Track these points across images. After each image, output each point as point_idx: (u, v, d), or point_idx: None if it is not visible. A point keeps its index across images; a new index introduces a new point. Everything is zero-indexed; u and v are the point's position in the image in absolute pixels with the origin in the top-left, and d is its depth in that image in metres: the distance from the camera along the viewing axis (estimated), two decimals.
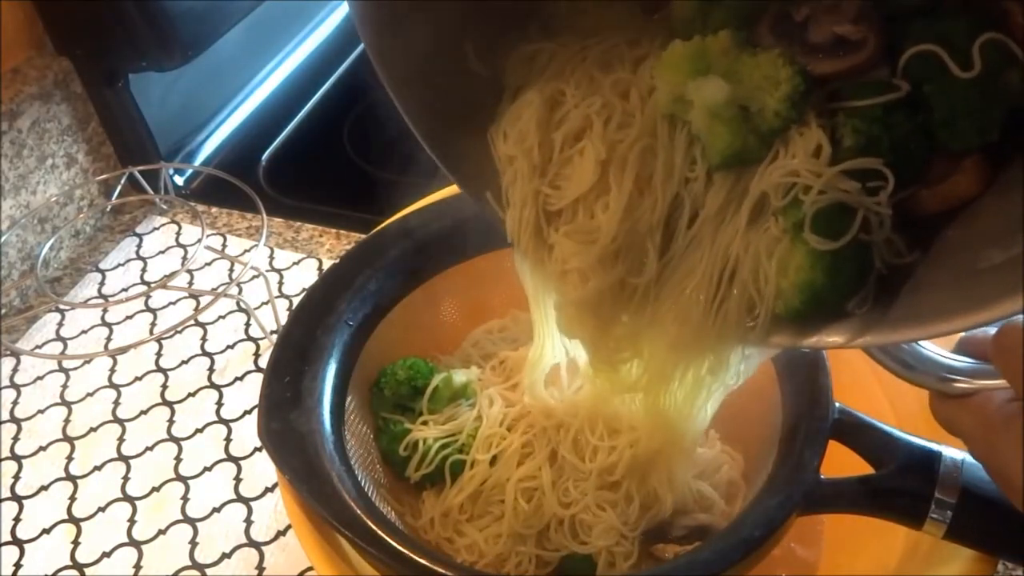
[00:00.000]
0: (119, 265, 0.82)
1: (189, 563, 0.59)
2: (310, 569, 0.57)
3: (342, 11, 1.15)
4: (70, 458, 0.66)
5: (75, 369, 0.72)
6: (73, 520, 0.62)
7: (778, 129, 0.33)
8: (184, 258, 0.82)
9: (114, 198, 0.86)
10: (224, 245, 0.83)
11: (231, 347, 0.73)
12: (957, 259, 0.31)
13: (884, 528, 0.41)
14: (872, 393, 0.52)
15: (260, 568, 0.58)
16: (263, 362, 0.71)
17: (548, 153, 0.39)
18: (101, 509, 0.62)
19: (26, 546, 0.61)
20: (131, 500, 0.63)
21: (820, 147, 0.32)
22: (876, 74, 0.32)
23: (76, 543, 0.60)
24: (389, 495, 0.51)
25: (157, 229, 0.86)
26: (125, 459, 0.65)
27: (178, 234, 0.85)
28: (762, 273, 0.33)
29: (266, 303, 0.75)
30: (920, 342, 0.36)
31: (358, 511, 0.41)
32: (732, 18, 0.34)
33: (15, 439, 0.67)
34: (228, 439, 0.66)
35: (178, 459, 0.65)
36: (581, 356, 0.47)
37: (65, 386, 0.71)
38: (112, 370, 0.72)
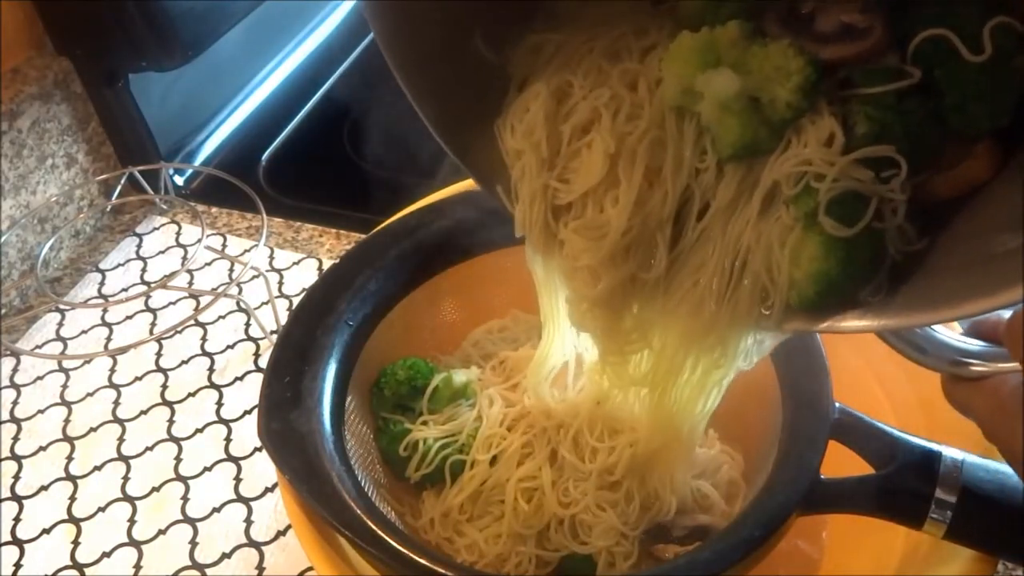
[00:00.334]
0: (119, 265, 0.82)
1: (189, 563, 0.59)
2: (310, 569, 0.57)
3: (342, 11, 1.15)
4: (70, 458, 0.66)
5: (75, 369, 0.72)
6: (73, 520, 0.62)
7: (790, 119, 0.32)
8: (184, 258, 0.82)
9: (114, 198, 0.86)
10: (224, 245, 0.83)
11: (231, 347, 0.73)
12: (969, 245, 0.31)
13: (884, 528, 0.41)
14: (872, 393, 0.52)
15: (260, 568, 0.58)
16: (263, 362, 0.71)
17: (556, 146, 0.38)
18: (101, 509, 0.62)
19: (26, 546, 0.61)
20: (131, 500, 0.63)
21: (833, 135, 0.31)
22: (886, 61, 0.32)
23: (76, 543, 0.60)
24: (389, 495, 0.51)
25: (157, 229, 0.86)
26: (125, 459, 0.65)
27: (178, 234, 0.85)
28: (775, 263, 0.33)
29: (266, 303, 0.75)
30: (932, 326, 0.35)
31: (358, 511, 0.41)
32: (740, 11, 0.34)
33: (15, 439, 0.67)
34: (228, 439, 0.66)
35: (178, 459, 0.65)
36: (589, 352, 0.47)
37: (65, 386, 0.71)
38: (112, 370, 0.72)
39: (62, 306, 0.77)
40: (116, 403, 0.69)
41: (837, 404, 0.43)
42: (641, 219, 0.36)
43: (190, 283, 0.79)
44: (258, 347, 0.73)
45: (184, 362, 0.72)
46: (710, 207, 0.35)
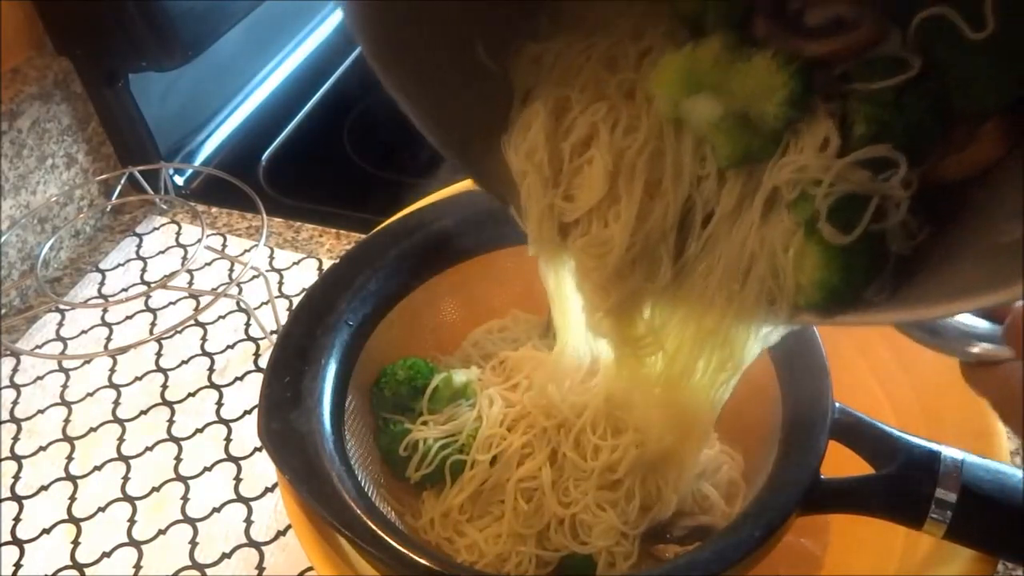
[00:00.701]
0: (119, 265, 0.82)
1: (189, 563, 0.59)
2: (310, 569, 0.57)
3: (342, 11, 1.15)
4: (70, 458, 0.66)
5: (75, 369, 0.72)
6: (73, 520, 0.62)
7: (783, 128, 0.32)
8: (184, 258, 0.82)
9: (114, 198, 0.86)
10: (224, 245, 0.83)
11: (231, 347, 0.73)
12: (976, 233, 0.31)
13: (885, 526, 0.41)
14: (872, 393, 0.52)
15: (260, 568, 0.58)
16: (263, 362, 0.71)
17: (559, 164, 0.38)
18: (101, 509, 0.62)
19: (26, 546, 0.61)
20: (131, 500, 0.63)
21: (828, 139, 0.31)
22: (885, 49, 0.31)
23: (76, 543, 0.60)
24: (389, 495, 0.51)
25: (157, 229, 0.86)
26: (125, 459, 0.65)
27: (178, 234, 0.85)
28: (780, 268, 0.33)
29: (266, 303, 0.75)
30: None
31: (358, 511, 0.41)
32: (731, 10, 0.33)
33: (15, 439, 0.67)
34: (228, 439, 0.66)
35: (178, 459, 0.65)
36: (605, 353, 0.47)
37: (65, 386, 0.71)
38: (112, 370, 0.72)
39: (62, 306, 0.77)
40: (116, 403, 0.69)
41: (837, 404, 0.43)
42: (644, 233, 0.36)
43: (190, 283, 0.79)
44: (258, 347, 0.73)
45: (184, 362, 0.72)
46: (715, 213, 0.35)
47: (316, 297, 0.51)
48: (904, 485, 0.39)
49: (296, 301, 0.72)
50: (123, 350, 0.73)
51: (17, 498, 0.64)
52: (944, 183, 0.32)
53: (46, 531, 0.61)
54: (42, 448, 0.67)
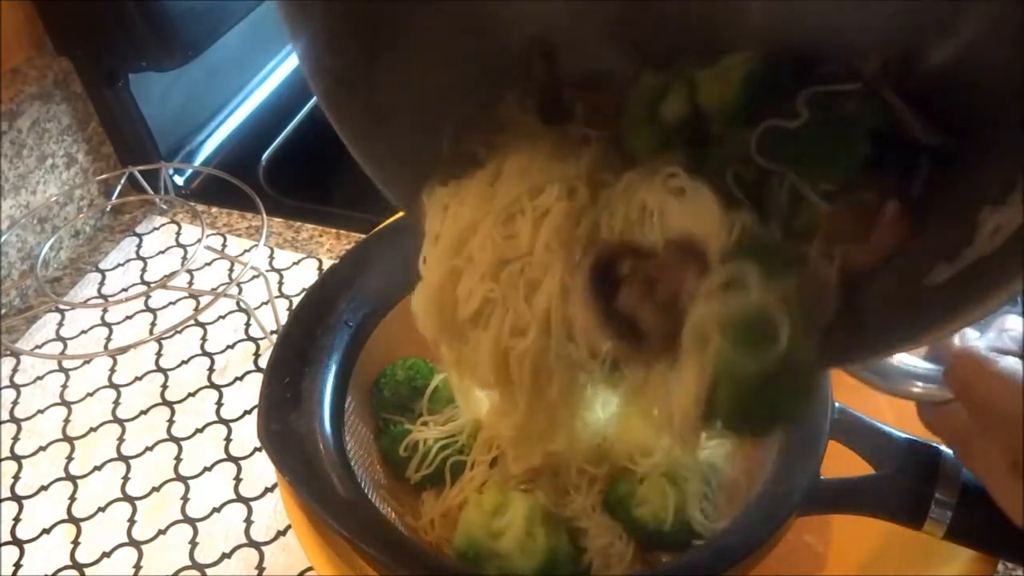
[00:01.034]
0: (119, 265, 0.82)
1: (189, 563, 0.59)
2: (310, 569, 0.57)
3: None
4: (70, 458, 0.66)
5: (75, 369, 0.72)
6: (73, 520, 0.62)
7: None
8: (184, 258, 0.82)
9: (114, 198, 0.86)
10: (224, 245, 0.83)
11: (231, 347, 0.73)
12: (903, 282, 0.30)
13: (884, 527, 0.41)
14: (872, 393, 0.52)
15: (260, 568, 0.58)
16: (263, 362, 0.71)
17: (457, 330, 0.38)
18: (101, 509, 0.62)
19: (26, 546, 0.61)
20: (131, 500, 0.63)
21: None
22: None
23: (76, 543, 0.60)
24: (389, 496, 0.51)
25: (157, 229, 0.86)
26: (125, 459, 0.65)
27: (178, 234, 0.85)
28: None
29: (266, 303, 0.75)
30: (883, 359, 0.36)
31: (358, 513, 0.41)
32: None
33: (15, 439, 0.67)
34: (228, 439, 0.66)
35: (178, 459, 0.65)
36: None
37: (65, 386, 0.71)
38: (112, 370, 0.72)
39: (62, 306, 0.77)
40: (116, 403, 0.69)
41: (837, 404, 0.43)
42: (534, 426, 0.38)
43: (190, 283, 0.79)
44: (258, 347, 0.73)
45: (184, 362, 0.72)
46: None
47: (316, 297, 0.51)
48: (904, 485, 0.39)
49: (296, 301, 0.72)
50: (123, 350, 0.73)
51: (17, 498, 0.64)
52: (864, 269, 0.32)
53: (46, 531, 0.61)
54: (42, 448, 0.67)
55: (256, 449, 0.65)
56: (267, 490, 0.62)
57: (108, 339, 0.75)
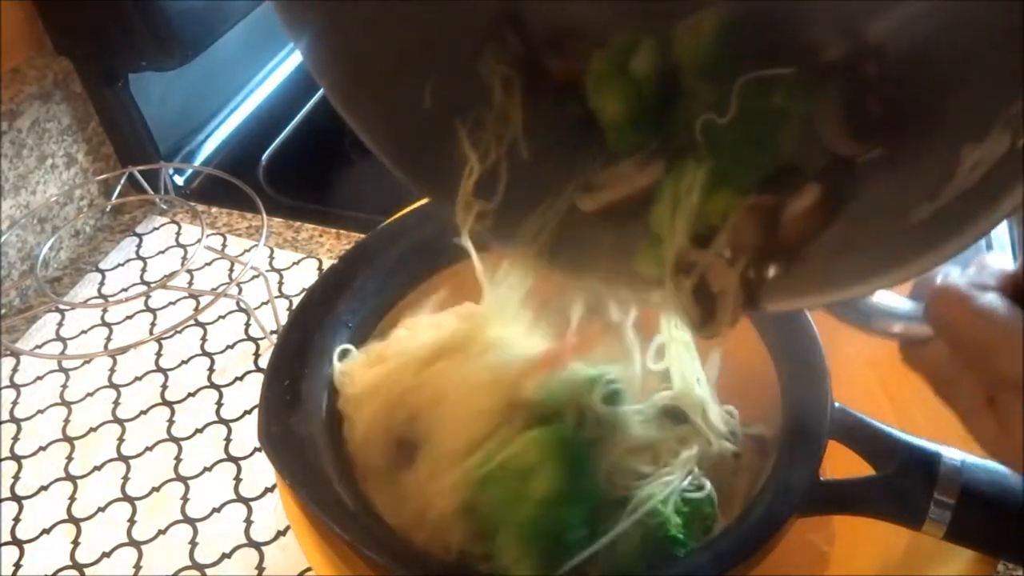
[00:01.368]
0: (119, 265, 0.82)
1: (189, 563, 0.59)
2: (309, 570, 0.57)
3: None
4: (70, 458, 0.66)
5: (75, 369, 0.72)
6: (73, 520, 0.62)
7: None
8: (184, 258, 0.82)
9: (114, 198, 0.86)
10: (224, 245, 0.83)
11: (231, 347, 0.73)
12: (880, 220, 0.31)
13: (887, 526, 0.41)
14: (872, 393, 0.52)
15: (260, 568, 0.58)
16: (263, 362, 0.72)
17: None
18: (101, 509, 0.62)
19: (26, 546, 0.61)
20: (131, 500, 0.63)
21: None
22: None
23: (76, 543, 0.61)
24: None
25: (157, 229, 0.86)
26: (125, 459, 0.65)
27: (178, 234, 0.85)
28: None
29: (266, 303, 0.75)
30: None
31: (358, 515, 0.41)
32: None
33: (15, 439, 0.67)
34: (228, 439, 0.66)
35: (178, 459, 0.65)
36: None
37: (65, 386, 0.71)
38: (112, 370, 0.72)
39: (62, 306, 0.77)
40: (116, 403, 0.69)
41: (837, 404, 0.43)
42: None
43: (190, 283, 0.79)
44: (258, 347, 0.73)
45: (184, 362, 0.72)
46: None
47: (315, 299, 0.51)
48: (904, 486, 0.39)
49: (296, 301, 0.72)
50: (123, 350, 0.73)
51: (17, 498, 0.64)
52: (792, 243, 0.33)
53: (46, 531, 0.61)
54: (42, 448, 0.67)
55: (256, 449, 0.65)
56: (267, 490, 0.62)
57: (108, 339, 0.75)
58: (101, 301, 0.78)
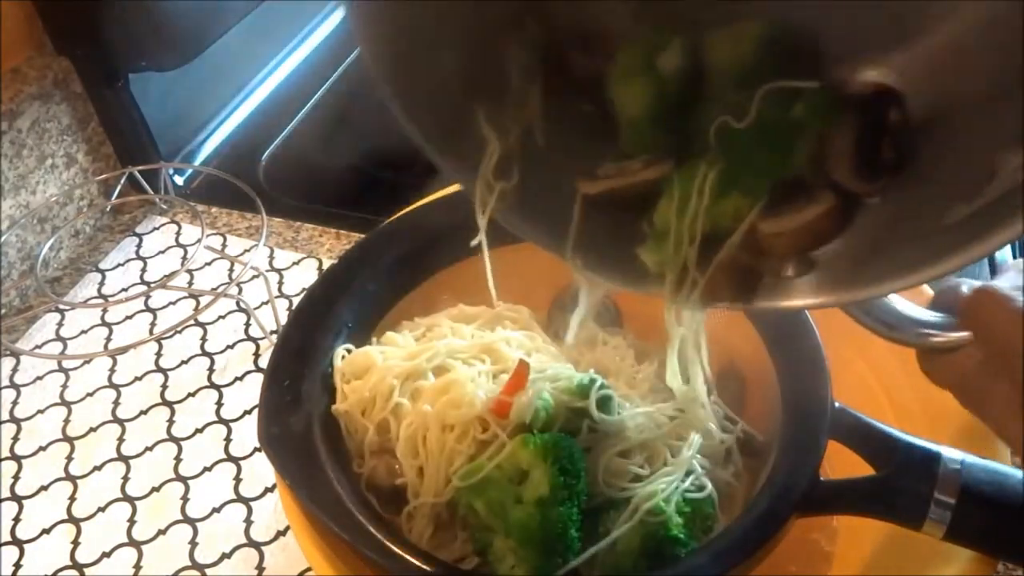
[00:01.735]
0: (119, 265, 0.82)
1: (189, 563, 0.59)
2: (309, 569, 0.57)
3: (342, 11, 1.15)
4: (70, 458, 0.66)
5: (75, 369, 0.72)
6: (73, 520, 0.62)
7: None
8: (184, 258, 0.82)
9: (114, 198, 0.86)
10: (224, 245, 0.83)
11: (231, 347, 0.73)
12: (913, 223, 0.31)
13: (885, 526, 0.41)
14: (872, 393, 0.52)
15: (260, 568, 0.58)
16: (263, 362, 0.71)
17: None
18: (101, 509, 0.62)
19: (26, 546, 0.61)
20: (131, 500, 0.63)
21: None
22: None
23: (76, 543, 0.61)
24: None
25: (157, 229, 0.86)
26: (125, 459, 0.65)
27: (178, 234, 0.85)
28: None
29: (266, 303, 0.75)
30: (897, 301, 0.36)
31: (358, 516, 0.41)
32: None
33: (15, 439, 0.67)
34: (228, 439, 0.66)
35: (178, 459, 0.65)
36: None
37: (65, 386, 0.71)
38: (112, 370, 0.72)
39: (62, 306, 0.77)
40: (116, 403, 0.69)
41: (837, 404, 0.43)
42: None
43: (190, 283, 0.79)
44: (258, 347, 0.73)
45: (184, 362, 0.72)
46: None
47: (315, 299, 0.51)
48: (903, 486, 0.39)
49: (296, 301, 0.72)
50: (123, 350, 0.73)
51: (17, 498, 0.64)
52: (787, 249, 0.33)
53: (46, 531, 0.61)
54: (42, 448, 0.67)
55: (256, 449, 0.65)
56: (267, 490, 0.62)
57: (108, 339, 0.75)
58: (101, 301, 0.78)
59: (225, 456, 0.65)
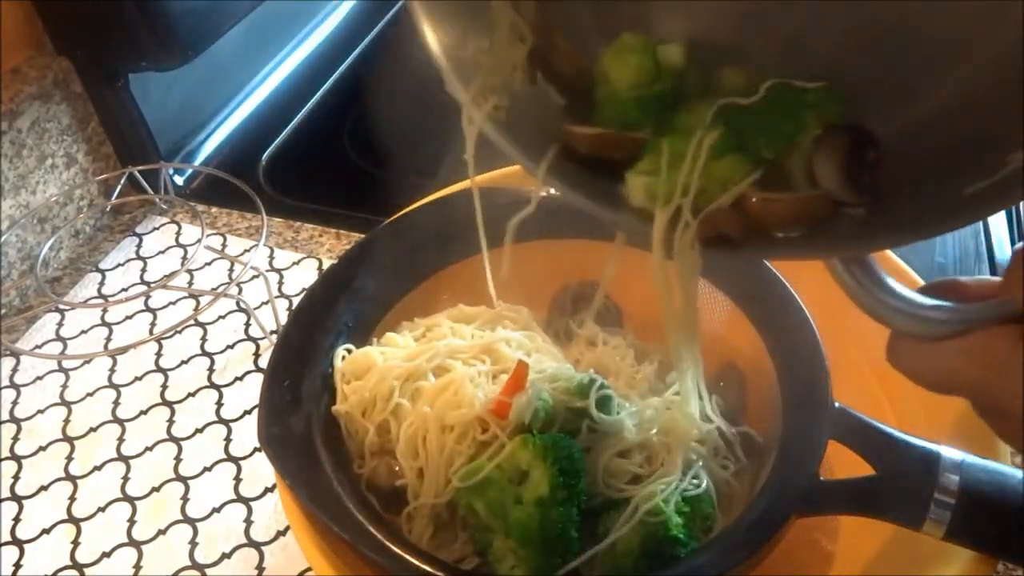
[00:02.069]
0: (119, 265, 0.82)
1: (189, 563, 0.59)
2: (310, 569, 0.57)
3: (342, 11, 1.15)
4: (70, 458, 0.66)
5: (75, 369, 0.72)
6: (73, 520, 0.62)
7: None
8: (184, 258, 0.82)
9: (114, 198, 0.86)
10: (224, 245, 0.83)
11: (231, 347, 0.73)
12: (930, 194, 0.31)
13: (887, 526, 0.41)
14: (872, 393, 0.52)
15: (260, 568, 0.58)
16: (263, 362, 0.71)
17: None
18: (101, 509, 0.62)
19: (26, 546, 0.61)
20: (131, 500, 0.63)
21: None
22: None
23: (76, 543, 0.61)
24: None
25: (157, 229, 0.86)
26: (125, 459, 0.65)
27: (178, 234, 0.85)
28: None
29: (266, 303, 0.75)
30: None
31: (358, 516, 0.41)
32: None
33: (15, 439, 0.67)
34: (228, 439, 0.66)
35: (178, 459, 0.65)
36: None
37: (65, 386, 0.71)
38: (112, 370, 0.72)
39: (62, 306, 0.77)
40: (116, 403, 0.69)
41: (837, 404, 0.43)
42: None
43: (190, 283, 0.79)
44: (258, 347, 0.73)
45: (184, 362, 0.72)
46: None
47: (314, 299, 0.51)
48: (903, 486, 0.39)
49: (296, 301, 0.72)
50: (123, 350, 0.73)
51: (17, 498, 0.64)
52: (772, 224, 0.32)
53: (46, 531, 0.61)
54: (42, 448, 0.67)
55: (256, 449, 0.65)
56: (267, 490, 0.62)
57: (108, 339, 0.75)
58: (101, 301, 0.78)
59: (225, 456, 0.65)
